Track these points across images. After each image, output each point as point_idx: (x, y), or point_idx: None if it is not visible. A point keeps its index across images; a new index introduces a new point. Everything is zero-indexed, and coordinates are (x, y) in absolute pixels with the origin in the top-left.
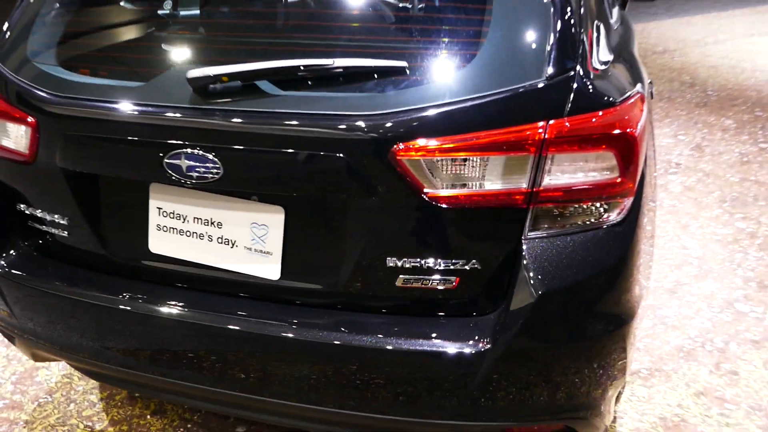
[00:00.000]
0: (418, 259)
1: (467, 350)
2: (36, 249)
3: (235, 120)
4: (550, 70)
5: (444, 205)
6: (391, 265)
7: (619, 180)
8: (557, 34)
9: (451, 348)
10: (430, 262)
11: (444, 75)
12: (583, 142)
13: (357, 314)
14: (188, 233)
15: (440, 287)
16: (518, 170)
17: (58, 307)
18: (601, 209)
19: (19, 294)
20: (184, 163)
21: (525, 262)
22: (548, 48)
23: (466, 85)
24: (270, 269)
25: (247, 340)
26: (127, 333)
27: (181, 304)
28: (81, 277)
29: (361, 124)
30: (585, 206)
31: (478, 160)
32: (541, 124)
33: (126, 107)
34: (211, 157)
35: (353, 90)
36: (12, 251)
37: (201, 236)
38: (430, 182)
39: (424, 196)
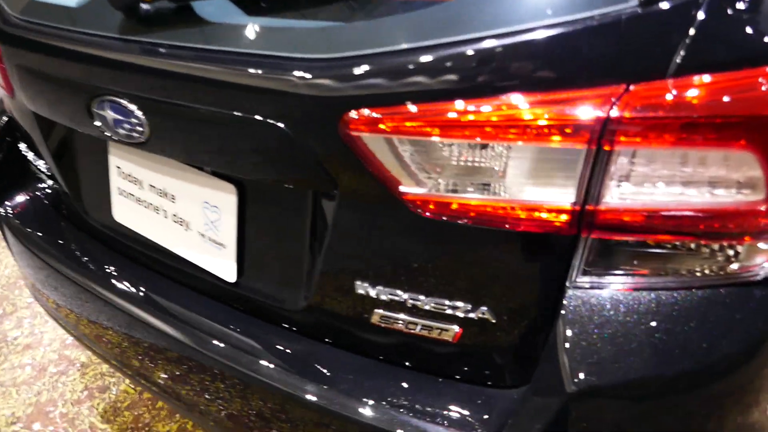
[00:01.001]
0: (399, 292)
1: None
2: (37, 196)
3: (156, 59)
4: None
5: (434, 216)
6: (361, 292)
7: (766, 205)
8: None
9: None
10: (418, 299)
11: None
12: (694, 129)
13: (324, 348)
14: (145, 203)
15: (432, 337)
16: (561, 172)
17: (34, 263)
18: (726, 253)
19: (15, 240)
20: (108, 114)
21: (565, 326)
22: None
23: (478, 15)
24: (225, 267)
25: (190, 356)
26: (81, 304)
27: (133, 289)
28: (63, 237)
29: (303, 74)
30: (692, 245)
31: (489, 148)
32: (611, 90)
33: (57, 34)
34: (133, 108)
35: (309, 16)
36: (20, 195)
37: (156, 209)
38: (408, 177)
39: (402, 199)
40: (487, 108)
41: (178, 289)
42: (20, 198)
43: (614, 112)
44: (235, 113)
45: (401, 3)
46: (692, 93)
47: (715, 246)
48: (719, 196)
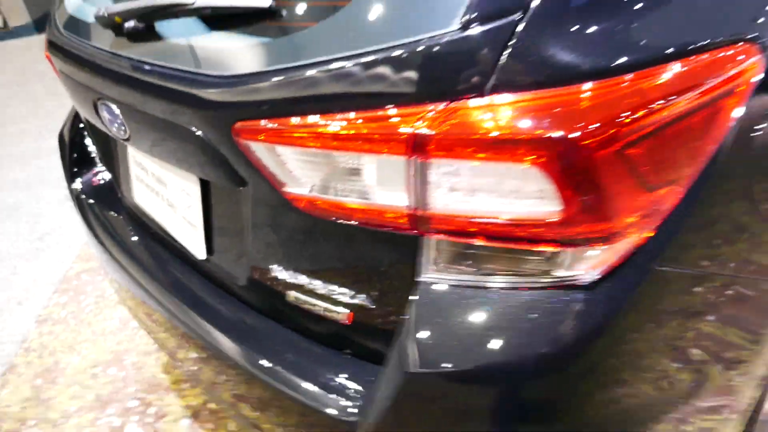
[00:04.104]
0: (304, 278)
1: (335, 411)
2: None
3: (119, 68)
4: (468, 9)
5: (313, 213)
6: (277, 276)
7: (561, 215)
8: None
9: (325, 400)
10: (315, 284)
11: (307, 22)
12: (495, 145)
13: (263, 320)
14: (150, 188)
15: (331, 318)
16: (395, 179)
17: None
18: (548, 259)
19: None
20: (104, 114)
21: (410, 315)
22: None
23: (336, 40)
24: (198, 246)
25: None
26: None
27: (143, 261)
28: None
29: (203, 90)
30: (516, 250)
31: (339, 156)
32: (432, 107)
33: (75, 45)
34: (115, 109)
35: (215, 39)
36: (91, 174)
37: (157, 193)
38: (286, 178)
39: (286, 197)
40: (332, 122)
41: (175, 262)
42: (91, 182)
43: (429, 129)
44: (170, 119)
45: (282, 27)
46: (496, 112)
47: (535, 251)
48: (521, 206)
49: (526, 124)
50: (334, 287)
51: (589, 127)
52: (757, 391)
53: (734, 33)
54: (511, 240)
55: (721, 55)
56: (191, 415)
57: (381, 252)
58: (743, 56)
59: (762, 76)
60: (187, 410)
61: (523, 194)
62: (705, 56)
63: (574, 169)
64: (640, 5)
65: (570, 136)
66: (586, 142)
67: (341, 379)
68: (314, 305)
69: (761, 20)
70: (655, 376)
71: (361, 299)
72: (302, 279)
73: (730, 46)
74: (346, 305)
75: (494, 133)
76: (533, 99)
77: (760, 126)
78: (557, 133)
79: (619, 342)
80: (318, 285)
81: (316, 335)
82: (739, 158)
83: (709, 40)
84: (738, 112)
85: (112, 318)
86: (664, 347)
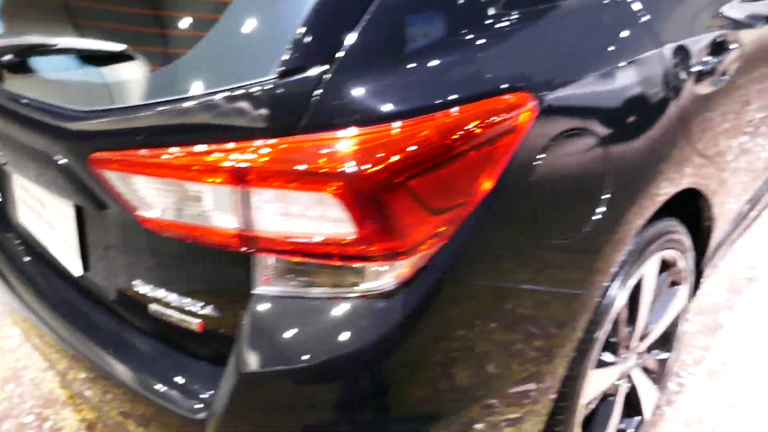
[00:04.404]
0: (159, 290)
1: (188, 412)
2: None
3: None
4: (284, 61)
5: (163, 234)
6: (139, 290)
7: (355, 236)
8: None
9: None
10: (170, 297)
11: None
12: (298, 176)
13: (130, 332)
14: (33, 209)
15: (186, 327)
16: (226, 204)
17: None
18: (357, 272)
19: None
20: None
21: (244, 324)
22: (290, 27)
23: (176, 83)
24: (74, 263)
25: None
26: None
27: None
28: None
29: (64, 122)
30: (331, 265)
31: (180, 184)
32: (253, 144)
33: None
34: None
35: (77, 76)
36: None
37: (38, 215)
38: (138, 203)
39: (139, 220)
40: (173, 154)
41: (57, 280)
42: None
43: (250, 162)
44: (39, 148)
45: (133, 68)
46: (304, 148)
47: (345, 266)
48: (325, 228)
49: (325, 159)
50: (186, 299)
51: (377, 162)
52: (557, 381)
53: (512, 83)
54: (322, 257)
55: (501, 100)
56: (86, 427)
57: (222, 268)
58: (520, 102)
59: (536, 118)
60: (82, 423)
61: (325, 219)
62: (485, 102)
63: (363, 198)
64: (431, 62)
65: (359, 170)
66: (374, 175)
67: (195, 382)
68: (171, 316)
69: (534, 72)
70: (454, 369)
71: (209, 310)
72: (159, 292)
73: (509, 93)
74: (197, 315)
75: (301, 167)
76: (332, 138)
77: (535, 160)
78: (349, 168)
79: (418, 340)
80: (173, 298)
81: (176, 344)
82: (518, 187)
83: (490, 89)
84: (515, 148)
85: (11, 336)
86: (460, 344)
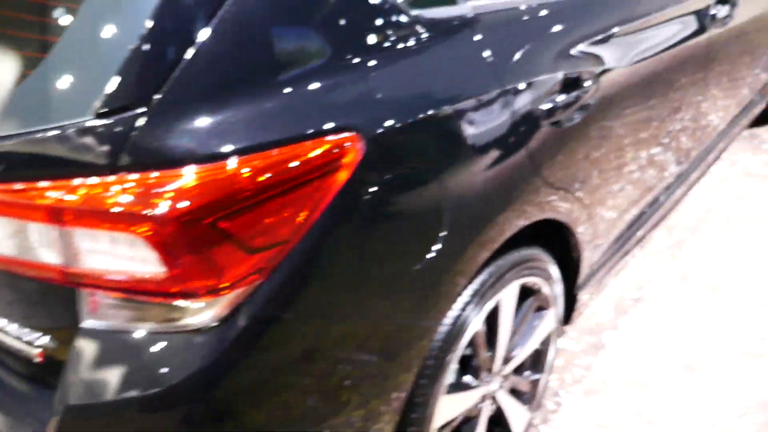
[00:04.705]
0: (1, 320)
1: None
2: None
3: None
4: (103, 102)
5: None
6: None
7: (166, 275)
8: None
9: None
10: (10, 327)
11: None
12: (108, 216)
13: None
14: None
15: (28, 357)
16: (48, 240)
17: None
18: (172, 309)
19: None
20: None
21: (71, 357)
22: (109, 69)
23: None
24: None
25: None
26: None
27: None
28: None
29: None
30: (154, 302)
31: (7, 220)
32: (70, 183)
33: None
34: None
35: None
36: None
37: None
38: None
39: None
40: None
41: None
42: None
43: (65, 201)
44: None
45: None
46: (116, 189)
47: (166, 303)
48: (137, 267)
49: (135, 200)
50: (25, 330)
51: (185, 205)
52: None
53: (338, 123)
54: (141, 294)
55: (323, 141)
56: None
57: (55, 300)
58: (344, 142)
59: (363, 158)
60: None
61: (137, 258)
62: (306, 144)
63: (169, 239)
64: (254, 103)
65: (166, 212)
66: (180, 217)
67: (39, 412)
68: (11, 346)
69: (364, 113)
70: (279, 402)
71: (45, 340)
72: (1, 323)
73: (333, 134)
74: (36, 345)
75: (114, 208)
76: (144, 179)
77: (364, 198)
78: (157, 210)
79: (237, 375)
80: (12, 328)
81: (25, 374)
82: (345, 224)
83: (313, 130)
84: (340, 187)
85: None
86: (286, 379)
